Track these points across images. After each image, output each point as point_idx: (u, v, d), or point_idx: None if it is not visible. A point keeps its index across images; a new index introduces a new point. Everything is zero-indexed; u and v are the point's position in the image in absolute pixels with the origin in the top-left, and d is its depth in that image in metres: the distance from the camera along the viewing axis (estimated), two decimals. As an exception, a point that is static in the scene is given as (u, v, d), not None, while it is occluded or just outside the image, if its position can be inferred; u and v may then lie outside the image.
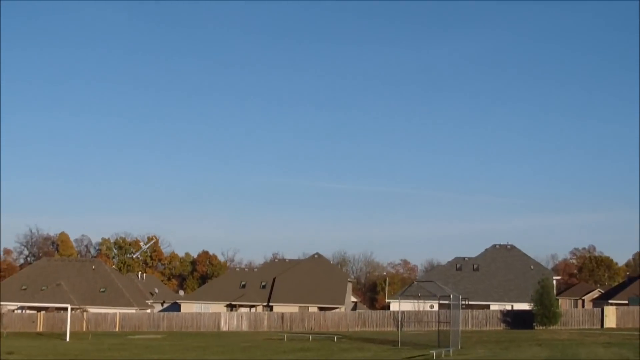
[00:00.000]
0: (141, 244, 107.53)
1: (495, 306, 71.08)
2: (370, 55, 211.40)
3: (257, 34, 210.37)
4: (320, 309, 79.58)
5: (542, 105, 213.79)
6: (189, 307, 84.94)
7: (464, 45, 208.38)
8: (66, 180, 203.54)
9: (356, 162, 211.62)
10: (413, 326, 59.67)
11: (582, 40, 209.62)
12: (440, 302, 49.63)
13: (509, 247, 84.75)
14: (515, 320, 61.85)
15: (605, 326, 58.27)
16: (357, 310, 78.90)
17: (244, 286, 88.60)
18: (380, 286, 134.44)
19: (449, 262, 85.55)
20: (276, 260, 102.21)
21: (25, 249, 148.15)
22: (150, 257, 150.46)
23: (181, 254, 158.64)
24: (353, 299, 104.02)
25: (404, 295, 54.99)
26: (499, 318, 62.51)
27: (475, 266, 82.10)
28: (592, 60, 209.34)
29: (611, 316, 58.90)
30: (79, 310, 73.05)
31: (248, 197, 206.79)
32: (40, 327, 68.94)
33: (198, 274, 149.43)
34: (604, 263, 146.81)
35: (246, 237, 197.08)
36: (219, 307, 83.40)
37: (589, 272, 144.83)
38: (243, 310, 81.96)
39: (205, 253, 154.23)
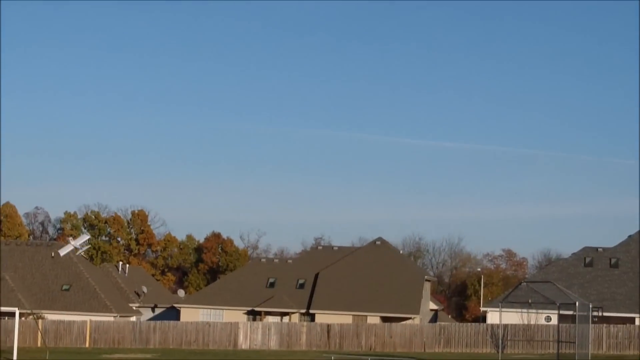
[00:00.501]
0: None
1: (643, 320, 70.85)
2: None
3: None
4: (384, 319, 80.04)
5: None
6: (191, 314, 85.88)
7: None
8: (11, 131, 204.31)
9: (449, 112, 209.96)
10: (520, 347, 59.77)
11: None
12: (561, 312, 49.54)
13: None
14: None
15: None
16: (438, 323, 79.02)
17: (272, 285, 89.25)
18: (473, 288, 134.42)
19: (573, 254, 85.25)
20: (319, 247, 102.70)
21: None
22: (136, 240, 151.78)
23: (181, 237, 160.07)
24: (432, 305, 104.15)
25: (508, 302, 55.02)
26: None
27: (612, 261, 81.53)
28: None
29: None
30: (31, 317, 73.82)
31: (278, 157, 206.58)
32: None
33: (205, 267, 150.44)
34: None
35: (276, 214, 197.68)
36: (236, 315, 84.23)
37: None
38: (271, 319, 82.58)
39: (216, 236, 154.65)
